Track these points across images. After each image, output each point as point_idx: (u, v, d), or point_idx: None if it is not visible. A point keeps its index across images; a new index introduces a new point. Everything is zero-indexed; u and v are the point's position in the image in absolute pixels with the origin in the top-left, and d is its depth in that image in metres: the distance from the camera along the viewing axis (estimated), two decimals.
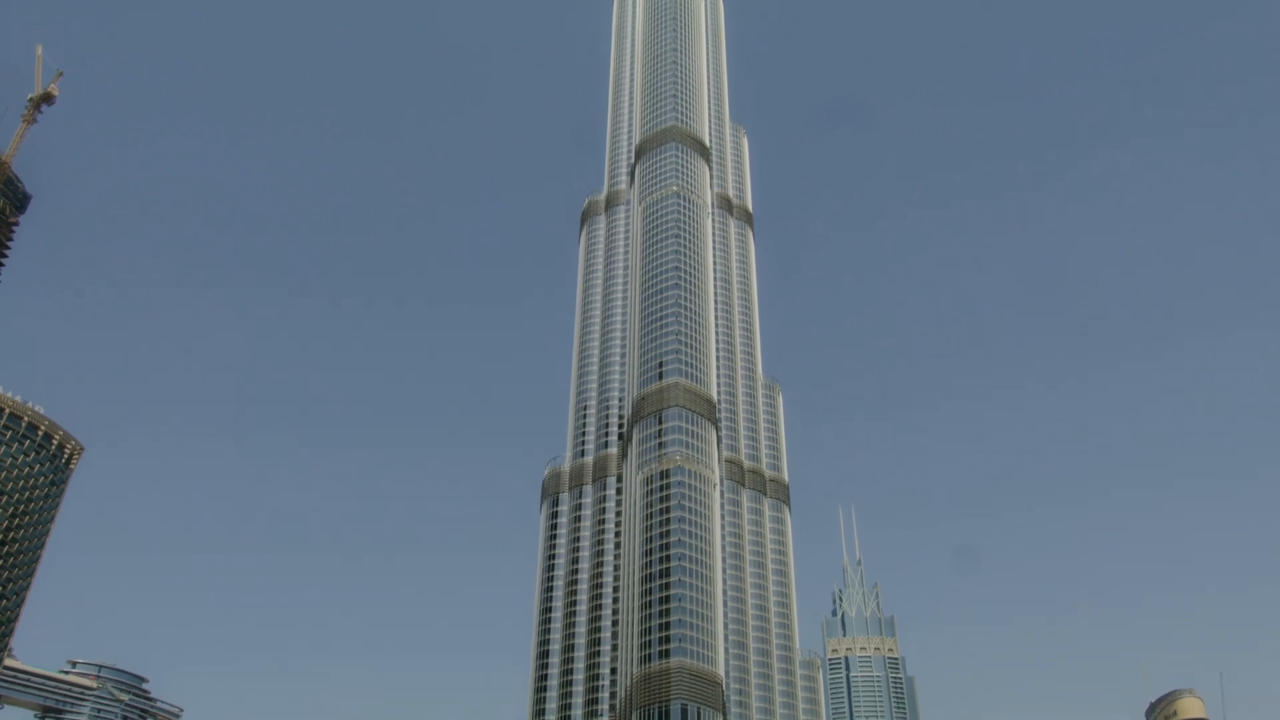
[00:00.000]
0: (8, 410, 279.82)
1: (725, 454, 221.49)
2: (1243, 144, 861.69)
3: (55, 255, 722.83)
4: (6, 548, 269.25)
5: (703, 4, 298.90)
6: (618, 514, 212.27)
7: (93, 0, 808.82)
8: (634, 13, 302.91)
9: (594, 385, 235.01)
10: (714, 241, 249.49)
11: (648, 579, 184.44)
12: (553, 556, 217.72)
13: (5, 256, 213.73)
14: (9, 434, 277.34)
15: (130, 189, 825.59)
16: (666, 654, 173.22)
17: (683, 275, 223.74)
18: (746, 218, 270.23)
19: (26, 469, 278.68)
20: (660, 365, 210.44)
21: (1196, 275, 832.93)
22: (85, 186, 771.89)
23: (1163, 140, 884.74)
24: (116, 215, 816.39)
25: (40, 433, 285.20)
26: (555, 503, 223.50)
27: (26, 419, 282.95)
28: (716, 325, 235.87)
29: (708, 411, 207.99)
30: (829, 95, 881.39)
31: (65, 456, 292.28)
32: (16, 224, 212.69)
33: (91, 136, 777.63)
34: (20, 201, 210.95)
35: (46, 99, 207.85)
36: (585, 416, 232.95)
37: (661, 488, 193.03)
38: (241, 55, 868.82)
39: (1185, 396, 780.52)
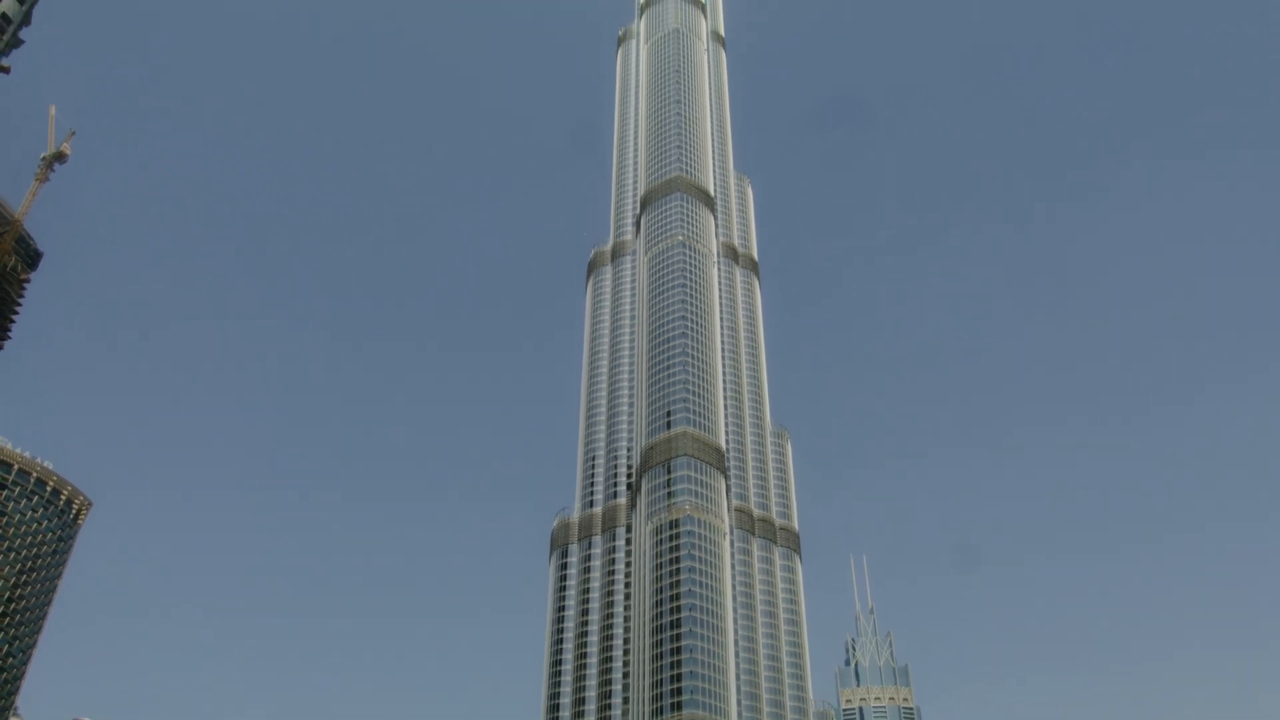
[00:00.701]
0: (17, 466, 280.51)
1: (735, 503, 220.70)
2: None
3: (65, 310, 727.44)
4: (13, 604, 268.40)
5: (705, 56, 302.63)
6: (628, 564, 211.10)
7: (106, 60, 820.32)
8: (637, 65, 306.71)
9: (602, 435, 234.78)
10: (720, 290, 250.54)
11: (658, 630, 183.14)
12: (562, 608, 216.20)
13: (16, 313, 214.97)
14: (18, 490, 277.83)
15: (140, 244, 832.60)
16: (679, 706, 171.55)
17: (689, 324, 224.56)
18: (752, 266, 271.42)
19: (34, 525, 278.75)
20: (668, 414, 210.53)
21: (1236, 305, 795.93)
22: (96, 242, 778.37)
23: (1199, 152, 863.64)
24: (127, 270, 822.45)
25: (49, 488, 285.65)
26: (564, 554, 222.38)
27: (35, 475, 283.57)
28: (724, 373, 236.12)
29: (716, 460, 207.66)
30: (831, 143, 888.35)
31: (74, 512, 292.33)
32: (28, 280, 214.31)
33: (103, 192, 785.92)
34: (32, 259, 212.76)
35: (59, 158, 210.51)
36: (594, 466, 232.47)
37: (671, 537, 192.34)
38: (255, 111, 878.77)
39: (1217, 438, 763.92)
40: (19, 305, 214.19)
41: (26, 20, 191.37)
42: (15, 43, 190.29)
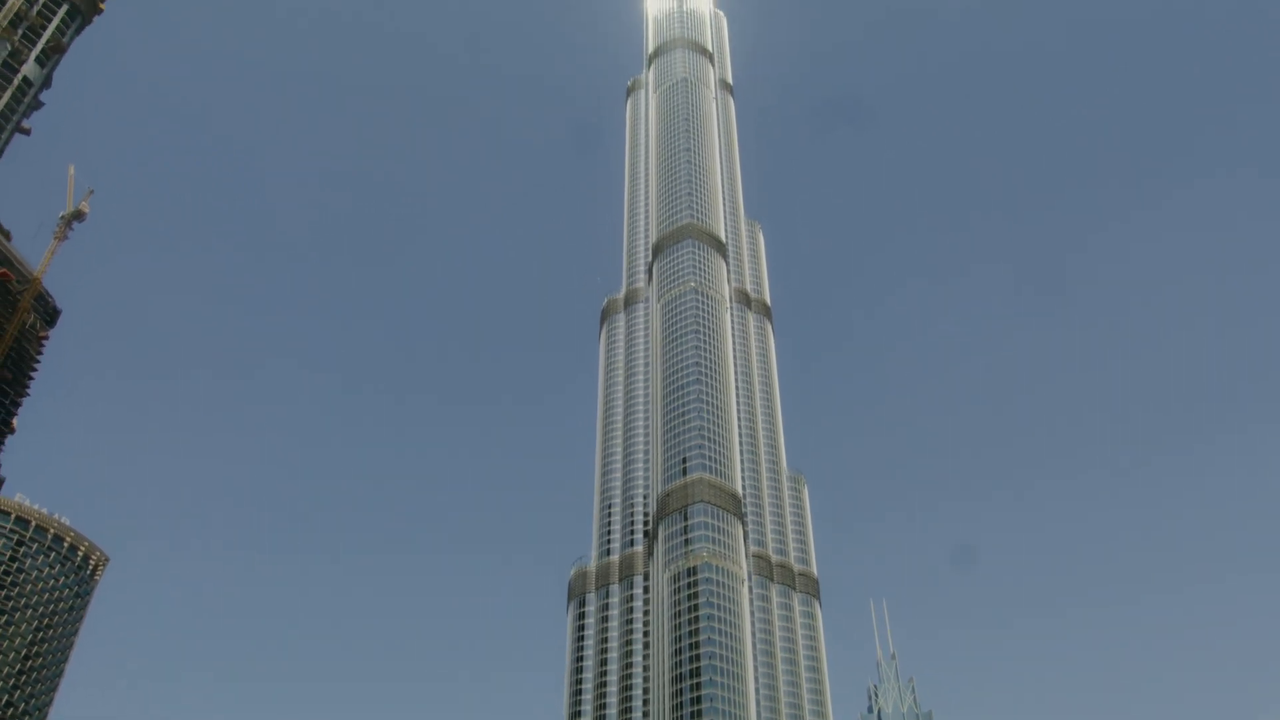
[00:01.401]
0: (34, 522, 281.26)
1: (752, 549, 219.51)
2: None
3: (83, 367, 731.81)
4: (30, 661, 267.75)
5: (714, 104, 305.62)
6: (646, 613, 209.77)
7: (124, 118, 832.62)
8: (647, 114, 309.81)
9: (618, 483, 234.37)
10: (733, 336, 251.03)
11: (678, 679, 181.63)
12: (580, 658, 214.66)
13: (35, 369, 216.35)
14: (35, 546, 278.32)
15: (157, 300, 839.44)
16: None
17: (703, 370, 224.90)
18: (765, 311, 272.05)
19: (51, 581, 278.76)
20: (684, 461, 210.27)
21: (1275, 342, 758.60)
22: (113, 298, 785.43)
23: (1225, 165, 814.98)
24: (144, 326, 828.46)
25: (66, 544, 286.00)
26: (582, 603, 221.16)
27: (52, 531, 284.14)
28: (739, 419, 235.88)
29: (733, 506, 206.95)
30: (842, 187, 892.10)
31: (90, 568, 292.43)
32: (46, 338, 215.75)
33: (121, 248, 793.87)
34: (50, 316, 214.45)
35: (78, 216, 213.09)
36: (610, 514, 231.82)
37: (689, 585, 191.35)
38: (271, 169, 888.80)
39: (1246, 485, 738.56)
40: (37, 362, 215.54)
41: (47, 83, 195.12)
42: (36, 105, 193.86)
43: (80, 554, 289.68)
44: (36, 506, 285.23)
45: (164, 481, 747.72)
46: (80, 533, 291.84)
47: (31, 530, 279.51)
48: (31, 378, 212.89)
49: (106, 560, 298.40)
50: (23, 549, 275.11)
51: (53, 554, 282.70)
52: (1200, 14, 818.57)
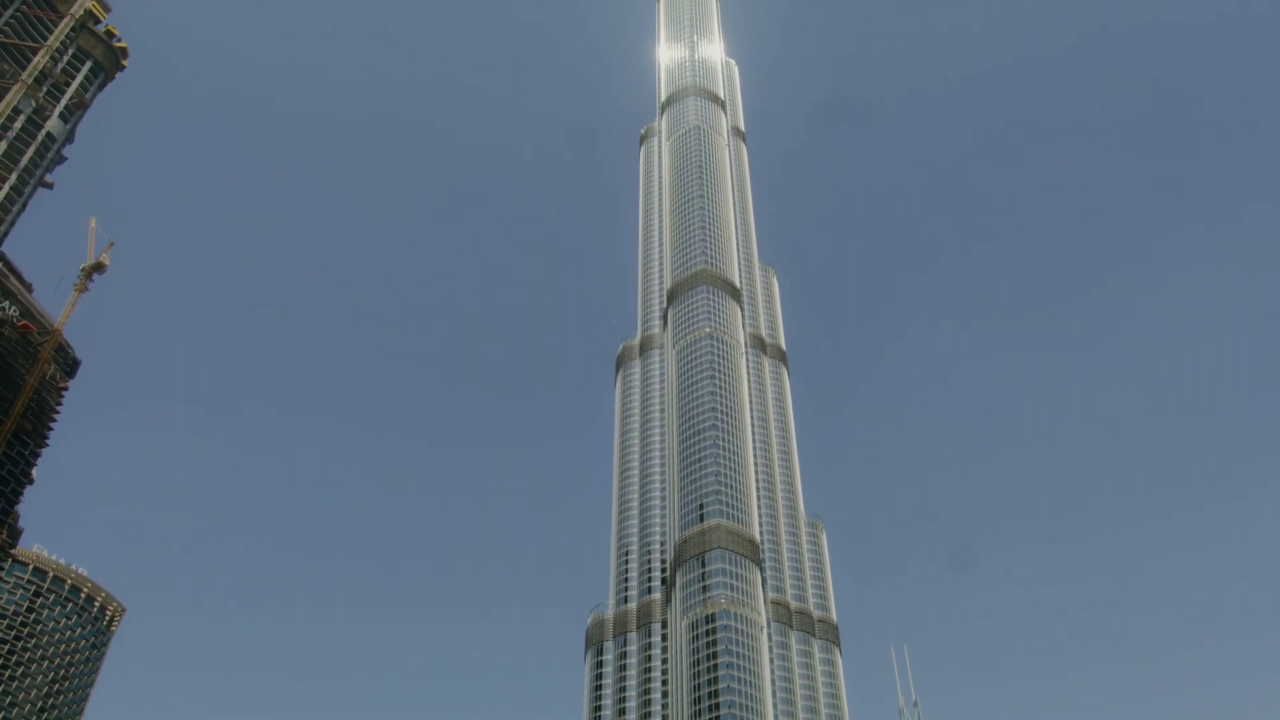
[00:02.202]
0: (51, 573, 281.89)
1: (771, 595, 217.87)
2: None
3: (102, 417, 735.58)
4: (46, 713, 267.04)
5: (726, 150, 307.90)
6: (664, 661, 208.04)
7: (145, 172, 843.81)
8: (660, 161, 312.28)
9: (635, 529, 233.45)
10: (749, 381, 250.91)
11: None
12: (598, 708, 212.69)
13: (54, 420, 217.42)
14: (52, 596, 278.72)
15: (175, 350, 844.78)
16: None
17: (720, 416, 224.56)
18: (780, 356, 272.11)
19: (68, 632, 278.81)
20: (701, 507, 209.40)
21: None
22: (133, 349, 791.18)
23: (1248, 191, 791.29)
24: (162, 377, 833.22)
25: (83, 595, 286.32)
26: (600, 651, 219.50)
27: (70, 581, 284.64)
28: (756, 465, 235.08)
29: (751, 553, 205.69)
30: (856, 231, 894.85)
31: (107, 619, 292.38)
32: (66, 389, 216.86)
33: (142, 300, 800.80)
34: (70, 367, 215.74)
35: (98, 268, 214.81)
36: (627, 562, 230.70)
37: (708, 632, 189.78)
38: (290, 218, 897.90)
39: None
40: (57, 413, 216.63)
41: (70, 138, 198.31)
42: (59, 159, 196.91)
43: (97, 605, 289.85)
44: (54, 557, 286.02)
45: (181, 532, 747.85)
46: (97, 583, 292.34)
47: (49, 581, 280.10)
48: (51, 428, 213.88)
49: (123, 611, 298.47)
50: (40, 600, 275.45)
51: (69, 605, 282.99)
52: (1202, 13, 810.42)
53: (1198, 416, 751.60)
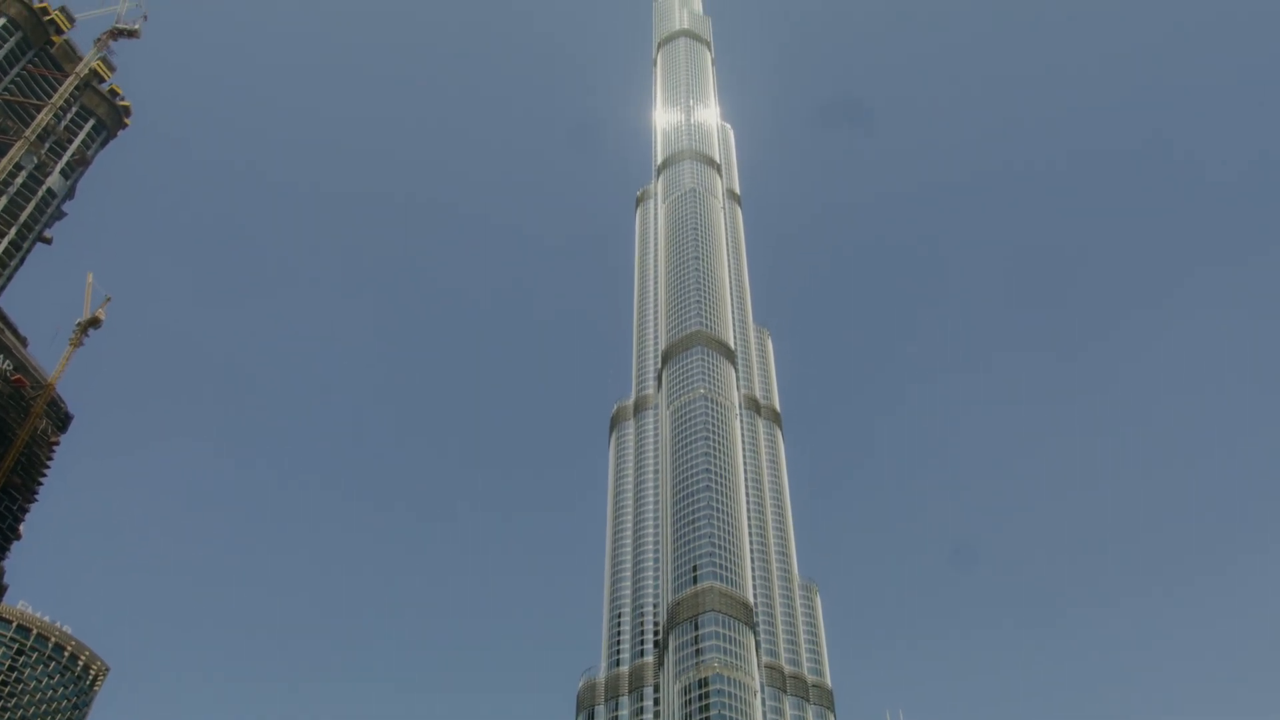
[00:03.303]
0: (35, 630, 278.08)
1: (765, 659, 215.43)
2: None
3: (92, 473, 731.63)
4: None
5: (722, 213, 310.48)
6: None
7: (144, 229, 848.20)
8: (656, 223, 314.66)
9: (628, 592, 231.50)
10: (743, 442, 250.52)
11: None
12: None
13: (44, 475, 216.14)
14: (35, 655, 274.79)
15: (169, 408, 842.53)
16: None
17: (713, 477, 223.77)
18: (775, 418, 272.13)
19: (51, 691, 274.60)
20: (694, 569, 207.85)
21: None
22: (125, 405, 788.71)
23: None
24: (155, 434, 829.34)
25: (66, 653, 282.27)
26: (591, 715, 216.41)
27: (53, 639, 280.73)
28: (750, 527, 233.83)
29: (744, 616, 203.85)
30: (851, 291, 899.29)
31: (91, 677, 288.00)
32: (57, 444, 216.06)
33: (137, 357, 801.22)
34: (62, 422, 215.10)
35: (94, 323, 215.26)
36: (619, 624, 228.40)
37: (700, 697, 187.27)
38: (288, 285, 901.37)
39: None
40: (47, 468, 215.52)
41: (70, 194, 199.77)
42: (59, 215, 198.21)
43: (80, 663, 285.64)
44: (39, 614, 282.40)
45: (168, 592, 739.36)
46: (81, 642, 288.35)
47: (32, 639, 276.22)
48: (40, 483, 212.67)
49: (107, 670, 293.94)
50: (23, 658, 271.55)
51: (53, 663, 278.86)
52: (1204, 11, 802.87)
53: (1225, 472, 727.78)
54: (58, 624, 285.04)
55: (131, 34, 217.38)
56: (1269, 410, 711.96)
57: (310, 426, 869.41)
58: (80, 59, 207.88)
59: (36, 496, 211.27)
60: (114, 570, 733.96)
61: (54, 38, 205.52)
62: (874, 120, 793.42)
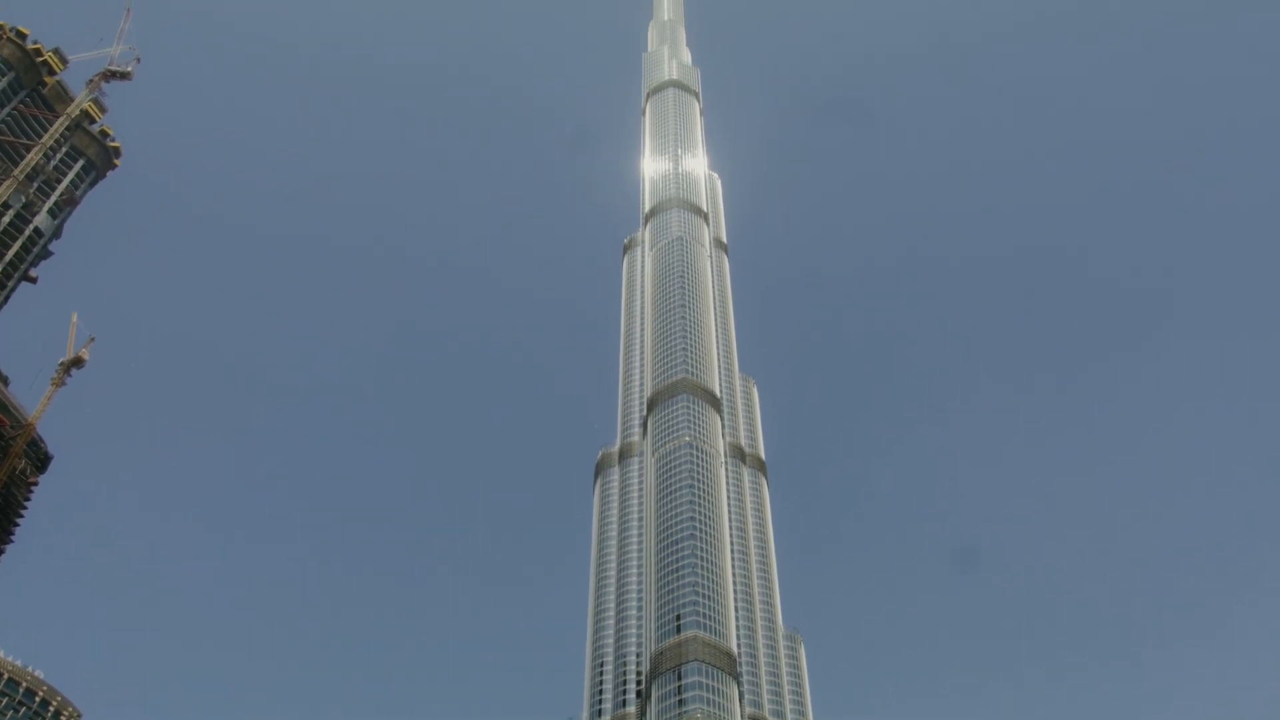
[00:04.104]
0: (6, 675, 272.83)
1: (748, 710, 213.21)
2: None
3: (70, 515, 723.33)
4: None
5: (709, 261, 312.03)
6: None
7: (130, 270, 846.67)
8: (643, 271, 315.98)
9: (610, 641, 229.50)
10: (728, 491, 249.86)
11: None
12: None
13: (21, 516, 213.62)
14: (5, 700, 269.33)
15: (149, 454, 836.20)
16: None
17: (698, 525, 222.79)
18: (760, 466, 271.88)
19: None
20: (678, 618, 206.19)
21: None
22: (105, 445, 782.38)
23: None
24: (133, 476, 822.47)
25: (38, 699, 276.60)
26: None
27: (25, 684, 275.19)
28: (734, 576, 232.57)
29: (728, 665, 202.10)
30: (837, 340, 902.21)
31: None
32: (36, 484, 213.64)
33: (119, 398, 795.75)
34: (41, 462, 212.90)
35: (77, 363, 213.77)
36: (602, 673, 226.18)
37: None
38: (274, 325, 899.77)
39: None
40: (24, 509, 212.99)
41: (57, 234, 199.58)
42: (45, 254, 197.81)
43: (52, 709, 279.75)
44: (10, 659, 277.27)
45: (143, 638, 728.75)
46: (54, 687, 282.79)
47: (3, 684, 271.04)
48: (17, 524, 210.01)
49: (79, 716, 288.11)
50: None
51: (24, 709, 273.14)
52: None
53: (1229, 515, 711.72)
54: (29, 669, 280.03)
55: (124, 76, 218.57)
56: (1269, 428, 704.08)
57: (294, 482, 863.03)
58: (72, 100, 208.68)
59: (12, 538, 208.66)
60: (88, 614, 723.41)
61: (46, 79, 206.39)
62: (862, 167, 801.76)
